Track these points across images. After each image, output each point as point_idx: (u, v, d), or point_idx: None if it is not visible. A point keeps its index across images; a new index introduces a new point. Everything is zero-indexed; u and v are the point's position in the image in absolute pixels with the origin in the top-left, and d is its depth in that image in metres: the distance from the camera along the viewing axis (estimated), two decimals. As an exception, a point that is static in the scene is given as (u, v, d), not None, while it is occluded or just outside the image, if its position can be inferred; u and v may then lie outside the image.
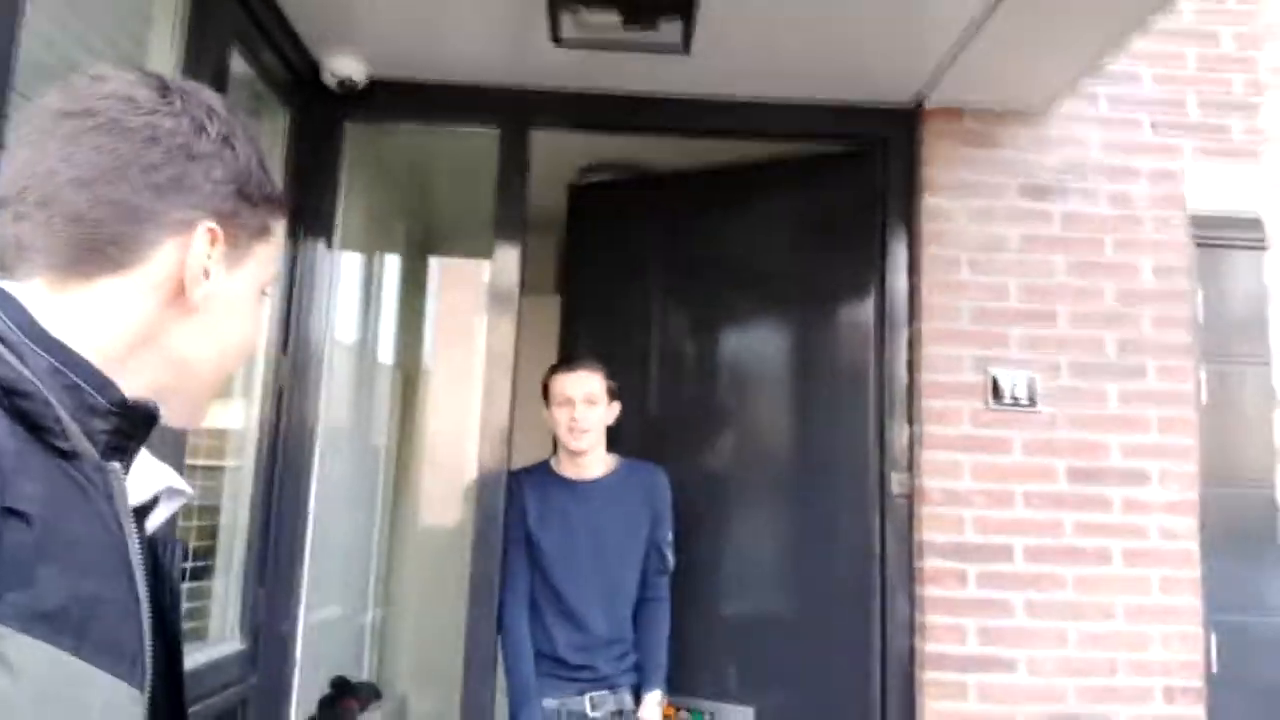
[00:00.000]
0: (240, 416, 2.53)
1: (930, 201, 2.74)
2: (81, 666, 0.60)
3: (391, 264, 3.83)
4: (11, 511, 0.58)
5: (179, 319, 0.75)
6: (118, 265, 0.72)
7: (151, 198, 0.72)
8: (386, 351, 3.81)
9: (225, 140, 0.76)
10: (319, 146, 2.73)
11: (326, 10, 2.41)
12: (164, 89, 0.74)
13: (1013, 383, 2.67)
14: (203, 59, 2.00)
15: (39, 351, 0.67)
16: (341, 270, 2.89)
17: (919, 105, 2.78)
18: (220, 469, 2.48)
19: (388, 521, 3.83)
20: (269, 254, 0.83)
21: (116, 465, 0.69)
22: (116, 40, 1.76)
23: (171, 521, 0.81)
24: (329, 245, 2.76)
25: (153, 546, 0.75)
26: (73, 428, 0.65)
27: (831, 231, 2.94)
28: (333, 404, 2.87)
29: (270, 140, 2.60)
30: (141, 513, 0.75)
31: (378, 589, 3.70)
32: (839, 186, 2.95)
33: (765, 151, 2.98)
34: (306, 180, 2.70)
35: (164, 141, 0.72)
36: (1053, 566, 2.62)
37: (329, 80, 2.62)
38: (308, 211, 2.71)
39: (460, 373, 4.11)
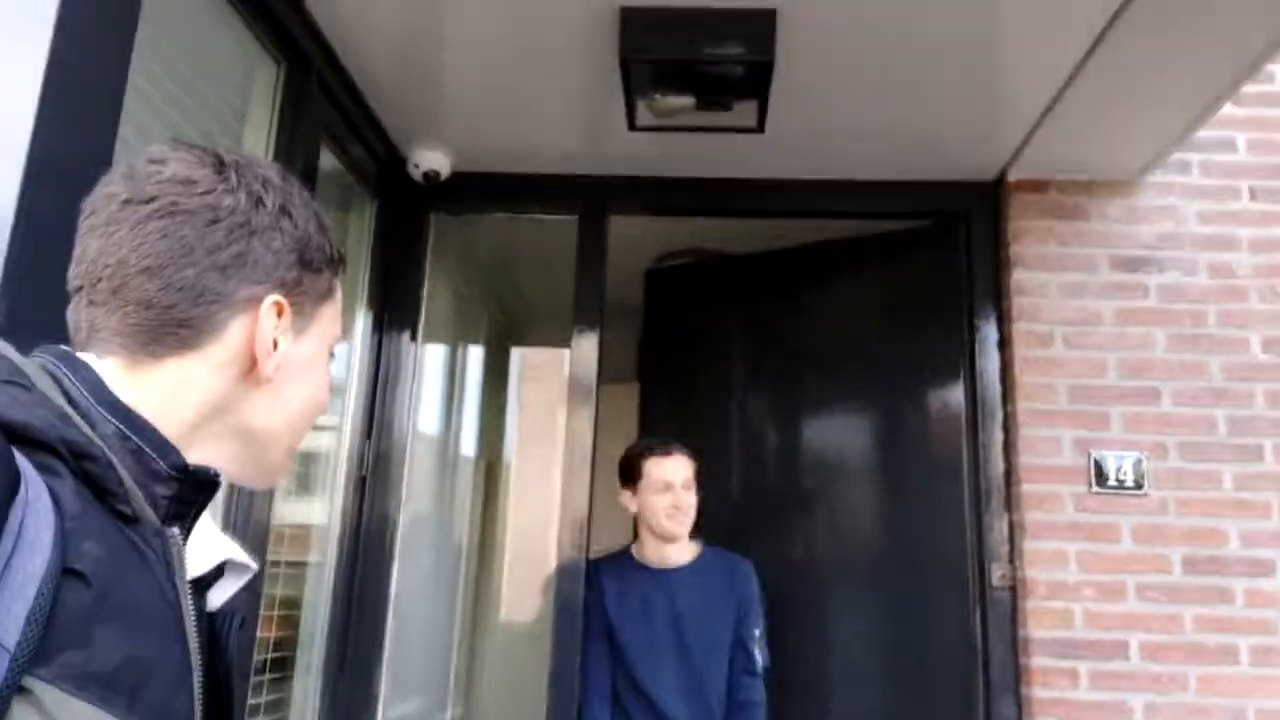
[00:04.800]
0: (323, 513, 2.54)
1: (1018, 276, 2.66)
2: None
3: (474, 353, 3.88)
4: (71, 571, 0.58)
5: (251, 391, 0.77)
6: (188, 346, 0.73)
7: (218, 279, 0.73)
8: (468, 442, 3.82)
9: (283, 210, 0.78)
10: (404, 237, 2.81)
11: (413, 107, 2.51)
12: (220, 166, 0.76)
13: (1118, 465, 2.52)
14: (294, 154, 2.08)
15: (108, 417, 0.68)
16: (425, 359, 2.93)
17: (1002, 178, 2.73)
18: (303, 564, 2.49)
19: (469, 615, 3.78)
20: (333, 314, 0.84)
21: (175, 531, 0.69)
22: (213, 134, 1.84)
23: (237, 597, 0.79)
24: (413, 335, 2.80)
25: (212, 619, 0.74)
26: (135, 493, 0.65)
27: (915, 309, 2.87)
28: (414, 495, 2.87)
29: (357, 232, 2.68)
30: (204, 584, 0.74)
31: (458, 684, 3.63)
32: (921, 264, 2.89)
33: (844, 230, 2.95)
34: (392, 271, 2.77)
35: (225, 220, 0.74)
36: (1174, 665, 2.42)
37: (414, 173, 2.70)
38: (393, 302, 2.77)
39: (542, 463, 4.10)
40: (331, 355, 0.85)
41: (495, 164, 2.78)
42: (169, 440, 0.70)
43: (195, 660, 0.66)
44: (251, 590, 1.98)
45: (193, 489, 0.70)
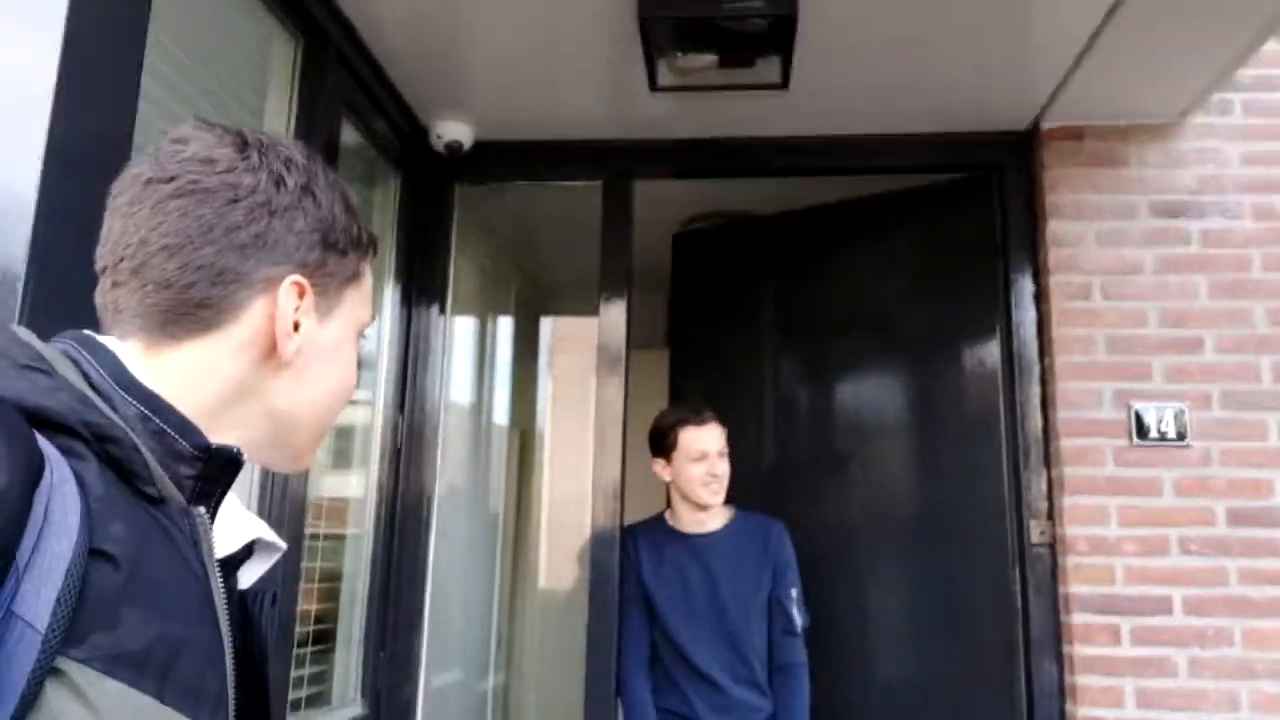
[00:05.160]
0: (360, 485, 2.57)
1: (1054, 227, 2.60)
2: (163, 710, 0.59)
3: (504, 324, 3.89)
4: (99, 553, 0.58)
5: (274, 373, 0.76)
6: (208, 326, 0.73)
7: (237, 259, 0.73)
8: (501, 412, 3.84)
9: (305, 190, 0.76)
10: (430, 209, 2.80)
11: (434, 77, 2.49)
12: (242, 145, 0.75)
13: (1159, 417, 2.47)
14: (315, 129, 2.07)
15: (129, 399, 0.68)
16: (455, 331, 2.93)
17: (1035, 127, 2.66)
18: (342, 537, 2.52)
19: (507, 584, 3.82)
20: (361, 297, 0.83)
21: (202, 510, 0.69)
22: (233, 112, 1.84)
23: (267, 576, 0.79)
24: (442, 308, 2.81)
25: (244, 598, 0.74)
26: (160, 473, 0.65)
27: (949, 266, 2.82)
28: (449, 467, 2.89)
29: (382, 206, 2.68)
30: (233, 564, 0.75)
31: (499, 653, 3.67)
32: (954, 218, 2.84)
33: (873, 187, 2.90)
34: (418, 244, 2.77)
35: (244, 200, 0.73)
36: (1218, 619, 2.39)
37: (436, 144, 2.69)
38: (421, 274, 2.77)
39: (576, 431, 4.11)
40: (362, 338, 0.84)
41: (517, 132, 2.76)
42: (190, 420, 0.69)
43: (227, 639, 0.66)
44: (288, 566, 2.00)
45: (216, 468, 0.70)
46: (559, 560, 4.22)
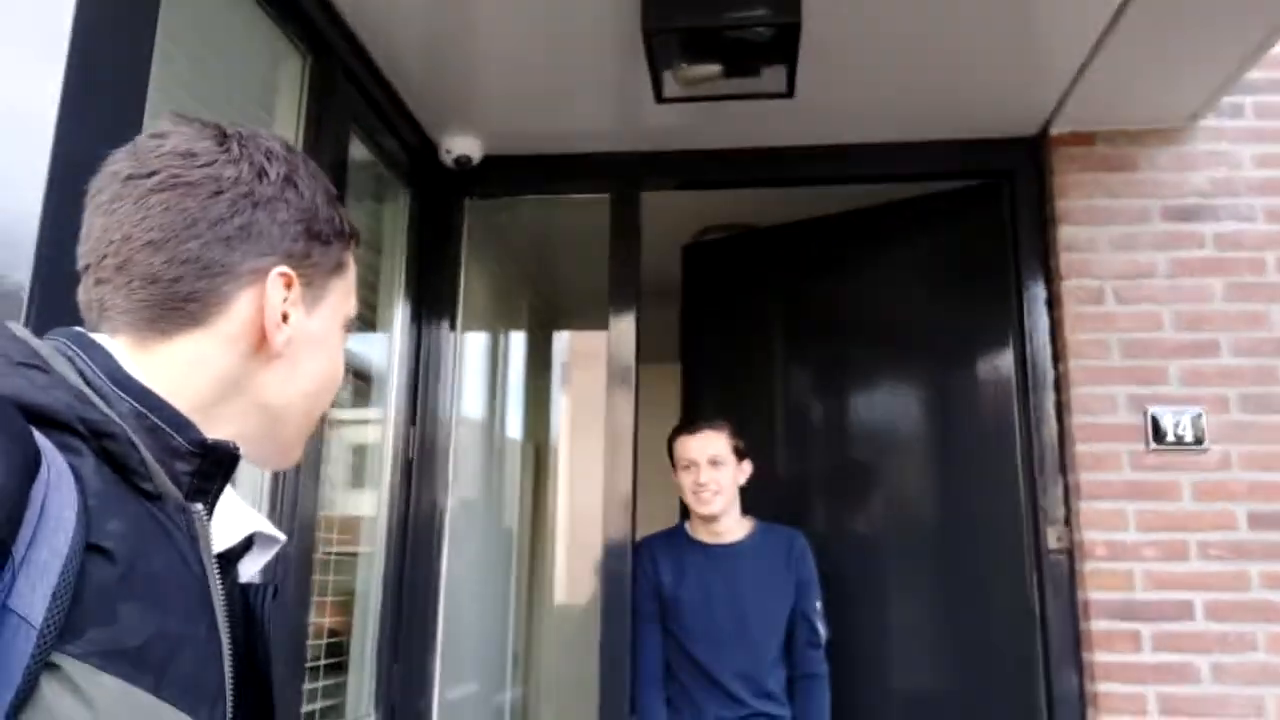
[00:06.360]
0: (372, 502, 2.57)
1: (1066, 232, 2.58)
2: (161, 706, 0.58)
3: (516, 338, 3.89)
4: (96, 548, 0.58)
5: (263, 366, 0.76)
6: (196, 321, 0.73)
7: (223, 251, 0.73)
8: (514, 427, 3.84)
9: (288, 180, 0.76)
10: (439, 224, 2.81)
11: (442, 94, 2.50)
12: (222, 137, 0.75)
13: (1175, 421, 2.45)
14: (323, 145, 2.08)
15: (122, 396, 0.68)
16: (466, 346, 2.94)
17: (1045, 132, 2.65)
18: (355, 554, 2.52)
19: (523, 598, 3.80)
20: (346, 288, 0.83)
21: (199, 507, 0.68)
22: (240, 129, 1.85)
23: (268, 569, 0.79)
24: (453, 322, 2.81)
25: (245, 593, 0.74)
26: (156, 469, 0.65)
27: (961, 273, 2.81)
28: (461, 482, 2.88)
29: (392, 221, 2.69)
30: (232, 558, 0.74)
31: (516, 667, 3.66)
32: (965, 225, 2.82)
33: (882, 195, 2.90)
34: (429, 258, 2.78)
35: (227, 192, 0.73)
36: (1240, 624, 2.36)
37: (445, 159, 2.70)
38: (431, 289, 2.78)
39: (592, 445, 4.11)
40: (348, 329, 0.84)
41: (526, 146, 2.77)
42: (185, 416, 0.69)
43: (224, 634, 0.66)
44: (299, 580, 2.00)
45: (213, 464, 0.70)
46: (575, 575, 4.21)
